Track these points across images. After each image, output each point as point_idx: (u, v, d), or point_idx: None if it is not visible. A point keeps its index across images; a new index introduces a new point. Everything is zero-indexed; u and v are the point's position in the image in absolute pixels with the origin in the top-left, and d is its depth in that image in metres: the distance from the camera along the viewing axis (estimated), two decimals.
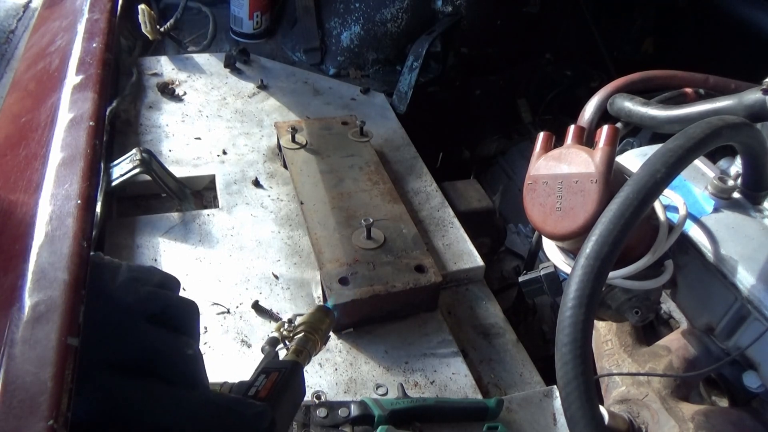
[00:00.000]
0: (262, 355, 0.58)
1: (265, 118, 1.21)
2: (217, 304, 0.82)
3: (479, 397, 0.75)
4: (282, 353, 0.59)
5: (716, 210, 0.69)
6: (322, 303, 0.61)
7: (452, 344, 0.81)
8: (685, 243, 0.68)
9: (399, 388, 0.73)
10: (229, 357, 0.76)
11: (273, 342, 0.60)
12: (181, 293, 0.86)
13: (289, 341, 0.60)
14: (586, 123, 0.81)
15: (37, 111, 0.52)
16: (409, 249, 0.86)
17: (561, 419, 0.71)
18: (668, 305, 0.79)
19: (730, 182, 0.69)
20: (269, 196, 1.02)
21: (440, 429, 0.69)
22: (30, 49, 0.66)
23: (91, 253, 0.41)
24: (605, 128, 0.62)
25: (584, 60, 1.57)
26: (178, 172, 1.03)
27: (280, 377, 0.51)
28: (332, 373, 0.76)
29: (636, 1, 1.57)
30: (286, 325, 0.61)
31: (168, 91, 1.24)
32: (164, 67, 1.32)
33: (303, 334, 0.58)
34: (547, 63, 1.58)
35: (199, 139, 1.13)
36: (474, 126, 1.56)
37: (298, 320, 0.61)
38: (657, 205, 0.66)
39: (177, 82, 1.28)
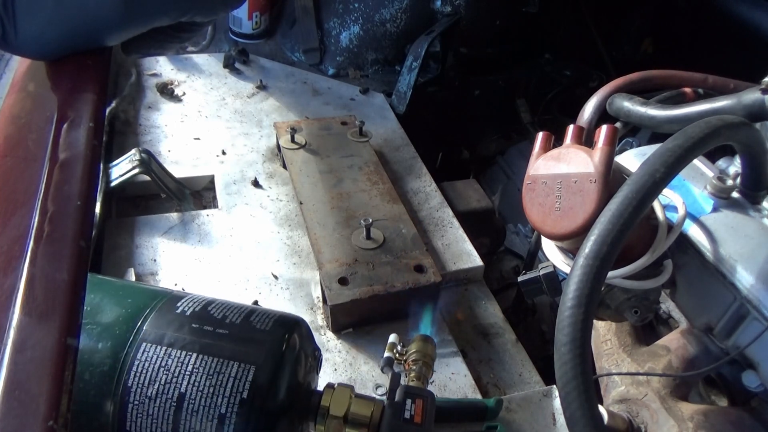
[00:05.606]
0: (385, 375, 0.62)
1: (265, 118, 1.21)
2: None
3: (478, 397, 0.75)
4: None
5: (715, 209, 0.69)
6: (421, 333, 0.68)
7: (451, 344, 0.81)
8: (684, 243, 0.68)
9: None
10: None
11: (390, 362, 0.64)
12: None
13: (399, 363, 0.64)
14: (585, 123, 0.81)
15: (36, 112, 0.52)
16: (408, 249, 0.87)
17: (560, 419, 0.71)
18: (667, 305, 0.79)
19: (729, 182, 0.69)
20: (268, 196, 1.02)
21: (439, 429, 0.69)
22: None
23: None
24: (604, 128, 0.62)
25: (583, 60, 1.57)
26: (177, 172, 1.03)
27: (426, 405, 0.55)
28: (332, 373, 0.76)
29: (635, 1, 1.57)
30: (398, 347, 0.65)
31: (167, 91, 1.24)
32: (163, 67, 1.33)
33: (421, 362, 0.63)
34: (547, 63, 1.58)
35: (198, 139, 1.13)
36: (473, 126, 1.56)
37: (410, 348, 0.65)
38: (656, 205, 0.66)
39: (176, 83, 1.28)
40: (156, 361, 0.51)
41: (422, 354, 0.63)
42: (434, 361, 0.64)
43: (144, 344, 0.51)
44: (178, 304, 0.56)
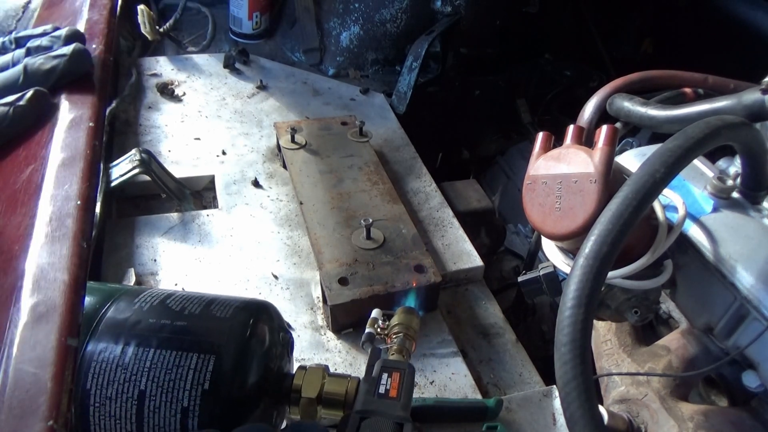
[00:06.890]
0: (366, 351, 0.60)
1: (265, 118, 1.21)
2: None
3: (479, 397, 0.75)
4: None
5: (715, 210, 0.69)
6: (405, 306, 0.66)
7: (452, 344, 0.81)
8: (685, 243, 0.68)
9: None
10: None
11: (371, 338, 0.62)
12: None
13: (381, 338, 0.62)
14: (585, 123, 0.81)
15: None
16: (408, 249, 0.87)
17: (560, 419, 0.71)
18: (667, 305, 0.79)
19: (729, 182, 0.69)
20: (269, 196, 1.02)
21: (440, 429, 0.69)
22: None
23: None
24: (604, 128, 0.62)
25: (583, 60, 1.58)
26: (178, 172, 1.03)
27: (403, 377, 0.53)
28: None
29: (635, 1, 1.57)
30: (379, 322, 0.63)
31: (167, 91, 1.24)
32: (163, 67, 1.33)
33: (402, 334, 0.61)
34: (547, 63, 1.58)
35: (198, 139, 1.13)
36: (473, 126, 1.57)
37: (392, 321, 0.63)
38: (656, 205, 0.66)
39: (176, 83, 1.28)
40: (113, 361, 0.50)
41: (404, 326, 0.62)
42: (417, 333, 0.62)
43: (100, 344, 0.51)
44: (136, 300, 0.54)
